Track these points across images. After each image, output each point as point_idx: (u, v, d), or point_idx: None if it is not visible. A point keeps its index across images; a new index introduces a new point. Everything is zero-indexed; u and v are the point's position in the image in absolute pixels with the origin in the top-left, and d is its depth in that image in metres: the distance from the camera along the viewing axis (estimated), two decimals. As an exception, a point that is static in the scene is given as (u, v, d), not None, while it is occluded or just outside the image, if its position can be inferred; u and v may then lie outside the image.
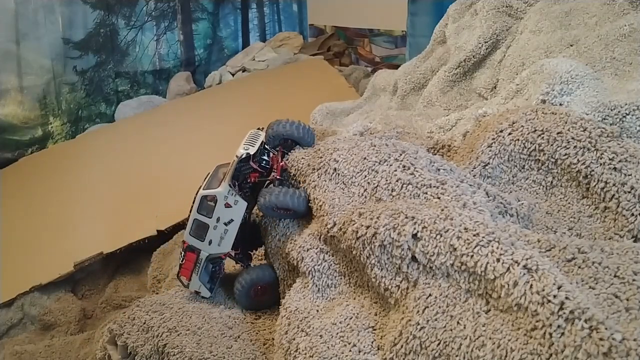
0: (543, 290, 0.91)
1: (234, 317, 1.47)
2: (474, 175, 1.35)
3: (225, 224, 1.40)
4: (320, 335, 1.15)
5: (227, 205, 1.38)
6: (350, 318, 1.17)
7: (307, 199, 1.38)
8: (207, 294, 1.50)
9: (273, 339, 1.33)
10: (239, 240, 1.45)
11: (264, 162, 1.43)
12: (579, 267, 1.02)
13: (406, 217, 1.11)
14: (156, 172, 3.09)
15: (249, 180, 1.41)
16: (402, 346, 1.02)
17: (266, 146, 1.45)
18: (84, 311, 2.57)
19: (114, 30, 4.20)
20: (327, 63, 4.21)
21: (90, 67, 4.11)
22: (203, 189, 1.40)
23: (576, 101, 1.48)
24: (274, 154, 1.46)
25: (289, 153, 1.48)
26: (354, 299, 1.24)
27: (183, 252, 1.47)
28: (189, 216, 1.44)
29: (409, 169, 1.26)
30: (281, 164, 1.45)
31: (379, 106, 2.57)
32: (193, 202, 1.43)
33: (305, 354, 1.13)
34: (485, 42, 2.12)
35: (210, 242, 1.43)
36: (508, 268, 0.97)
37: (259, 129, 1.49)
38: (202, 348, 1.31)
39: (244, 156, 1.38)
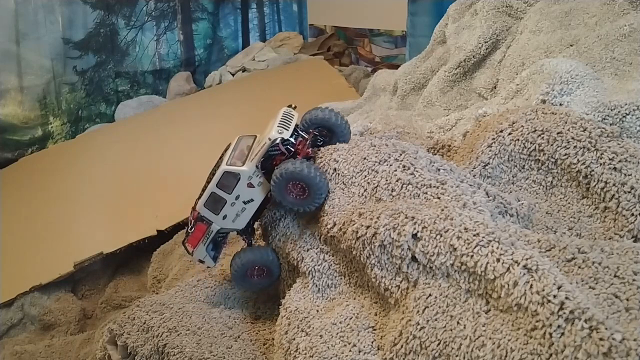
0: (543, 290, 0.91)
1: (234, 317, 1.47)
2: (474, 175, 1.35)
3: (244, 203, 1.36)
4: (320, 335, 1.15)
5: (250, 185, 1.33)
6: (350, 318, 1.17)
7: (324, 176, 1.31)
8: (211, 263, 1.46)
9: (273, 339, 1.33)
10: (251, 217, 1.40)
11: (290, 144, 1.35)
12: (579, 267, 1.02)
13: (406, 217, 1.11)
14: (156, 172, 3.10)
15: (273, 163, 1.34)
16: (402, 346, 1.02)
17: (298, 129, 1.38)
18: (84, 311, 2.57)
19: (114, 30, 4.20)
20: (327, 63, 4.21)
21: (90, 67, 4.11)
22: (226, 164, 1.34)
23: (576, 101, 1.48)
24: (302, 138, 1.37)
25: (321, 148, 1.41)
26: (354, 299, 1.24)
27: (193, 222, 1.41)
28: (205, 187, 1.39)
29: (409, 169, 1.26)
30: (308, 150, 1.37)
31: (379, 106, 2.57)
32: (211, 173, 1.38)
33: (305, 354, 1.13)
34: (485, 42, 2.12)
35: (224, 217, 1.38)
36: (508, 268, 0.97)
37: (291, 106, 1.41)
38: (202, 348, 1.31)
39: (277, 141, 1.31)
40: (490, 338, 0.94)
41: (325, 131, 1.42)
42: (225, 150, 1.43)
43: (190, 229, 1.42)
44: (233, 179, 1.33)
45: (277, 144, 1.32)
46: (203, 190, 1.40)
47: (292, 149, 1.34)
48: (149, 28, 4.40)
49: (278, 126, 1.33)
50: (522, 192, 1.34)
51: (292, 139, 1.34)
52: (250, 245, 1.47)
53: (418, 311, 1.03)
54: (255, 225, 1.50)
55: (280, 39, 4.88)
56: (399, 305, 1.10)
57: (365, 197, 1.28)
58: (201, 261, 1.46)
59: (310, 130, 1.40)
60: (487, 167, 1.37)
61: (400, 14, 3.83)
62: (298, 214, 1.42)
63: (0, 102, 3.67)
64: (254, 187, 1.34)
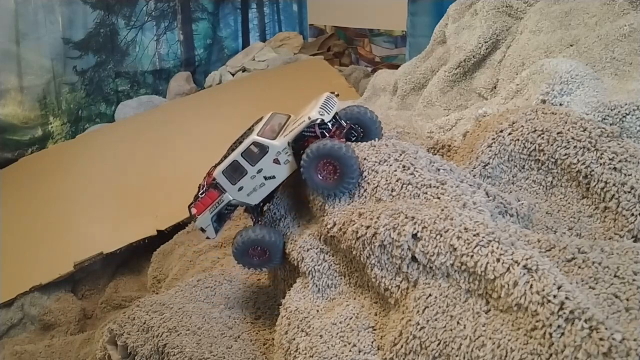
0: (543, 290, 0.91)
1: (234, 317, 1.47)
2: (474, 175, 1.35)
3: (265, 178, 1.32)
4: (320, 335, 1.15)
5: (276, 161, 1.30)
6: (350, 318, 1.17)
7: (359, 162, 1.28)
8: (212, 234, 1.41)
9: (273, 339, 1.33)
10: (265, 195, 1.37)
11: (326, 129, 1.31)
12: (579, 267, 1.02)
13: (406, 217, 1.11)
14: (156, 172, 3.10)
15: (304, 144, 1.30)
16: (402, 346, 1.02)
17: (338, 117, 1.35)
18: (84, 311, 2.57)
19: (114, 30, 4.20)
20: (327, 63, 4.21)
21: (90, 67, 4.11)
22: (257, 135, 1.30)
23: (576, 101, 1.48)
24: (340, 125, 1.35)
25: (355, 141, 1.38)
26: (354, 299, 1.24)
27: (205, 187, 1.37)
28: (226, 155, 1.35)
29: (408, 169, 1.26)
30: (342, 139, 1.33)
31: (379, 106, 2.57)
32: (236, 142, 1.35)
33: (305, 354, 1.13)
34: (485, 42, 2.12)
35: (240, 189, 1.34)
36: (508, 268, 0.97)
37: (333, 93, 1.38)
38: (202, 348, 1.32)
39: (317, 121, 1.27)
40: (490, 338, 0.94)
41: (360, 127, 1.40)
42: (256, 123, 1.39)
43: (201, 194, 1.38)
44: (260, 151, 1.30)
45: (315, 125, 1.28)
46: (224, 158, 1.36)
47: (327, 134, 1.31)
48: (149, 28, 4.40)
49: (320, 108, 1.29)
50: (522, 192, 1.34)
51: (329, 124, 1.31)
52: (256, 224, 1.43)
53: (418, 311, 1.03)
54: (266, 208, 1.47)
55: (280, 39, 4.88)
56: (399, 305, 1.10)
57: (365, 197, 1.28)
58: (202, 230, 1.41)
59: (348, 122, 1.37)
60: (487, 167, 1.37)
61: (400, 14, 3.83)
62: (299, 214, 1.42)
63: (0, 102, 3.67)
64: (279, 164, 1.31)
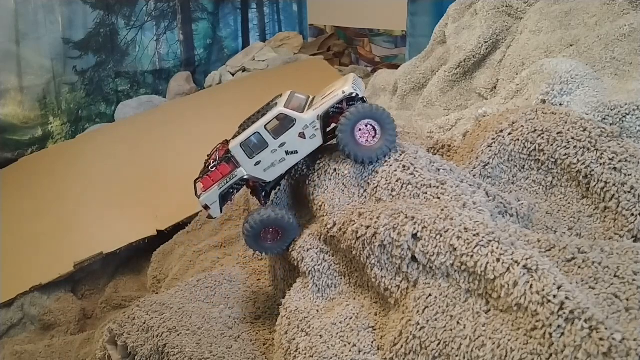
0: (543, 290, 0.91)
1: (234, 317, 1.47)
2: (474, 175, 1.35)
3: (287, 153, 1.29)
4: (320, 335, 1.15)
5: (301, 136, 1.27)
6: (350, 318, 1.17)
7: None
8: (216, 213, 1.34)
9: (273, 339, 1.33)
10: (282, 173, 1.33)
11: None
12: (579, 267, 1.02)
13: (406, 217, 1.11)
14: (156, 172, 3.10)
15: (329, 121, 1.29)
16: (402, 346, 1.02)
17: (364, 98, 1.33)
18: (84, 311, 2.57)
19: (114, 30, 4.20)
20: (327, 63, 4.22)
21: (90, 67, 4.11)
22: (284, 107, 1.27)
23: (576, 101, 1.48)
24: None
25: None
26: (354, 299, 1.24)
27: (218, 160, 1.31)
28: (242, 128, 1.31)
29: (408, 169, 1.26)
30: None
31: (379, 106, 2.57)
32: (254, 117, 1.31)
33: (305, 354, 1.13)
34: (485, 42, 2.12)
35: (257, 163, 1.29)
36: (508, 268, 0.97)
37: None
38: (202, 348, 1.32)
39: (351, 95, 1.25)
40: (490, 338, 0.94)
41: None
42: (275, 99, 1.36)
43: (211, 167, 1.31)
44: (286, 124, 1.27)
45: (344, 101, 1.27)
46: (240, 131, 1.32)
47: None
48: (149, 28, 4.40)
49: (353, 85, 1.29)
50: (522, 192, 1.34)
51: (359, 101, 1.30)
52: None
53: (418, 311, 1.03)
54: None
55: (280, 39, 4.88)
56: (399, 305, 1.10)
57: (365, 197, 1.28)
58: (206, 207, 1.34)
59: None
60: (487, 167, 1.37)
61: (400, 14, 3.83)
62: (299, 214, 1.42)
63: (0, 102, 3.67)
64: (304, 138, 1.28)
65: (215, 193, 1.32)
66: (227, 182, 1.31)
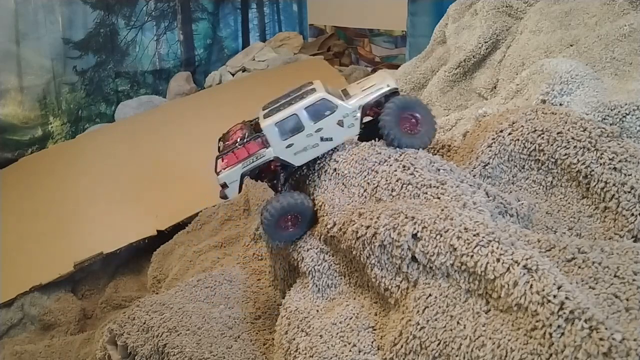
0: (543, 290, 0.91)
1: (234, 317, 1.47)
2: (474, 175, 1.35)
3: (322, 139, 1.27)
4: (320, 335, 1.15)
5: (339, 123, 1.27)
6: (350, 318, 1.17)
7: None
8: (234, 193, 1.29)
9: (273, 339, 1.33)
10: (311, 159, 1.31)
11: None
12: (579, 267, 1.02)
13: (406, 217, 1.11)
14: (156, 172, 3.10)
15: (366, 112, 1.30)
16: (402, 346, 1.02)
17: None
18: (84, 311, 2.57)
19: (114, 30, 4.20)
20: (327, 63, 4.22)
21: (90, 67, 4.11)
22: (326, 92, 1.27)
23: (576, 101, 1.48)
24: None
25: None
26: (354, 299, 1.24)
27: (246, 138, 1.27)
28: (275, 108, 1.28)
29: (409, 169, 1.26)
30: None
31: (379, 106, 2.57)
32: (288, 97, 1.29)
33: (305, 354, 1.13)
34: (485, 42, 2.12)
35: (289, 146, 1.26)
36: (508, 268, 0.97)
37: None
38: (202, 348, 1.32)
39: (392, 90, 1.29)
40: (490, 338, 0.94)
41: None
42: (301, 87, 1.34)
43: (239, 144, 1.27)
44: (327, 110, 1.26)
45: (383, 94, 1.30)
46: (270, 111, 1.29)
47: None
48: (149, 28, 4.40)
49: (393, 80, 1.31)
50: (522, 192, 1.34)
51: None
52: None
53: (418, 311, 1.03)
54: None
55: (280, 39, 4.88)
56: (399, 305, 1.10)
57: (365, 197, 1.28)
58: (224, 185, 1.28)
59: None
60: (487, 167, 1.37)
61: (400, 14, 3.83)
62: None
63: (0, 102, 3.67)
64: (342, 126, 1.27)
65: (237, 172, 1.27)
66: (252, 162, 1.27)
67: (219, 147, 1.34)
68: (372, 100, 1.29)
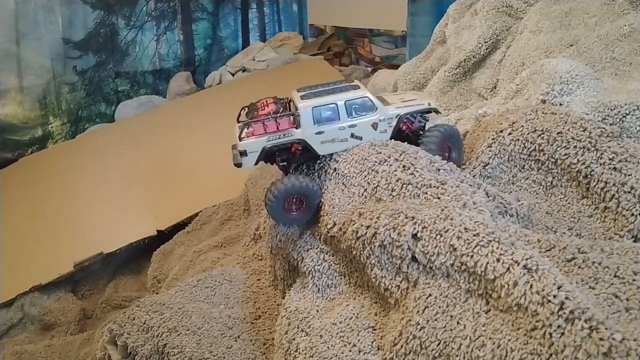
0: (543, 290, 0.91)
1: (234, 317, 1.47)
2: (474, 176, 1.36)
3: (352, 136, 1.30)
4: (320, 335, 1.15)
5: (373, 126, 1.30)
6: (350, 318, 1.17)
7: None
8: (250, 163, 1.29)
9: (273, 339, 1.33)
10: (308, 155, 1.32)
11: (424, 121, 1.41)
12: (579, 267, 1.02)
13: (406, 217, 1.11)
14: (156, 172, 3.10)
15: (401, 127, 1.36)
16: (402, 346, 1.02)
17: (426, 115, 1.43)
18: (84, 311, 2.57)
19: (114, 30, 4.20)
20: (327, 63, 4.21)
21: (90, 67, 4.11)
22: (372, 94, 1.31)
23: (576, 101, 1.48)
24: (420, 122, 1.41)
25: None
26: (354, 299, 1.24)
27: (279, 113, 1.27)
28: (312, 94, 1.30)
29: (409, 169, 1.26)
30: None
31: (379, 106, 2.57)
32: (327, 86, 1.31)
33: (305, 354, 1.13)
34: (485, 42, 2.12)
35: (318, 133, 1.28)
36: (508, 268, 0.97)
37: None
38: (202, 348, 1.32)
39: (432, 110, 1.38)
40: (490, 338, 0.94)
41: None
42: (338, 83, 1.36)
43: (271, 117, 1.27)
44: (367, 109, 1.30)
45: (422, 113, 1.38)
46: (311, 93, 1.30)
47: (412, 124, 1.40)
48: (149, 28, 4.40)
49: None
50: (522, 192, 1.35)
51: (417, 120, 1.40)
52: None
53: (418, 311, 1.03)
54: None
55: (280, 39, 4.88)
56: (399, 305, 1.10)
57: (365, 197, 1.28)
58: (243, 154, 1.27)
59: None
60: (487, 167, 1.37)
61: (400, 14, 3.83)
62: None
63: (0, 102, 3.67)
64: (374, 129, 1.31)
65: (260, 143, 1.27)
66: (279, 138, 1.28)
67: (239, 115, 1.35)
68: (411, 113, 1.35)
